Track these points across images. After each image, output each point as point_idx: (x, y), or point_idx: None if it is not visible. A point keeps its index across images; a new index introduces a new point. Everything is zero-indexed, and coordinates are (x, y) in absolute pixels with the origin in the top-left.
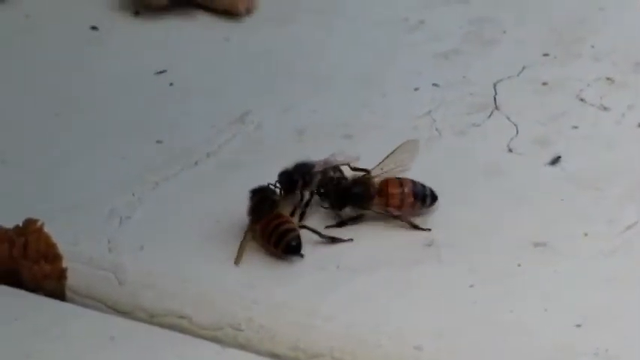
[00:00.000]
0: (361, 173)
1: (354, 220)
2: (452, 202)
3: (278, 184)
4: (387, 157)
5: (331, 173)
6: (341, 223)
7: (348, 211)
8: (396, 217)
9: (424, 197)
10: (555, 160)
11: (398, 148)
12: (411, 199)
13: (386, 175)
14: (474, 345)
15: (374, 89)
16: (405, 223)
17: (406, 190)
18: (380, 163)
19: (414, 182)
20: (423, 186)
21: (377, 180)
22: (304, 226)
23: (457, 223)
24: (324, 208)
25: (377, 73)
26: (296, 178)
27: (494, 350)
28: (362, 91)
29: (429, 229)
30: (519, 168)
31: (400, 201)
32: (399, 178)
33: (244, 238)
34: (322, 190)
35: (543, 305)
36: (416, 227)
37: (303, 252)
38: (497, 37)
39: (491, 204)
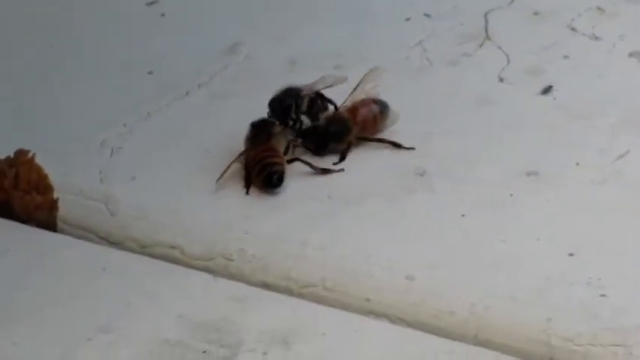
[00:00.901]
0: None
1: (347, 150)
2: (444, 131)
3: (271, 112)
4: (355, 89)
5: (318, 101)
6: (342, 157)
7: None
8: (378, 141)
9: (385, 103)
10: (547, 90)
11: (362, 78)
12: (378, 111)
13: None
14: (466, 275)
15: (366, 20)
16: (388, 145)
17: (371, 105)
18: (349, 96)
19: (368, 98)
20: (380, 101)
21: (346, 112)
22: (297, 159)
23: (449, 152)
24: (309, 150)
25: (368, 3)
26: (288, 102)
27: (486, 280)
28: (354, 21)
29: (414, 148)
30: (511, 98)
31: (373, 118)
32: (359, 101)
33: (234, 160)
34: (304, 138)
35: (535, 235)
36: (399, 146)
37: (290, 184)
38: None
39: (483, 134)
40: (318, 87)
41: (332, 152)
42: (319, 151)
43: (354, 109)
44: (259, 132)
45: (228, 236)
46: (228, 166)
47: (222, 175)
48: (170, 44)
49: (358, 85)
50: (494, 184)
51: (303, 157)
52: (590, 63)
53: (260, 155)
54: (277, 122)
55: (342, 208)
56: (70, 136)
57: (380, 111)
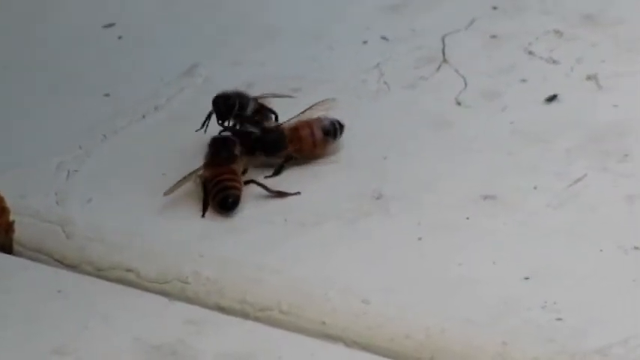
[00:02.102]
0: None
1: (281, 166)
2: (401, 155)
3: (214, 108)
4: (303, 112)
5: (266, 104)
6: (278, 170)
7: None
8: (312, 158)
9: (335, 131)
10: (552, 98)
11: (315, 104)
12: (321, 137)
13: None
14: (422, 298)
15: (322, 42)
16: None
17: (315, 130)
18: (295, 116)
19: (319, 120)
20: (331, 121)
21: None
22: (252, 181)
23: (406, 175)
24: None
25: (325, 26)
26: (232, 101)
27: (442, 303)
28: (310, 44)
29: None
30: (468, 120)
31: (312, 142)
32: (305, 121)
33: (187, 175)
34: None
35: (492, 258)
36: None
37: (246, 207)
38: None
39: (440, 157)
40: (266, 95)
41: (266, 165)
42: (249, 152)
43: (295, 128)
44: (220, 150)
45: (183, 259)
46: (183, 179)
47: (173, 187)
48: (127, 66)
49: (308, 108)
50: (451, 207)
51: (259, 180)
52: (548, 86)
53: (218, 177)
54: (237, 142)
55: (298, 231)
56: (26, 159)
57: (322, 137)
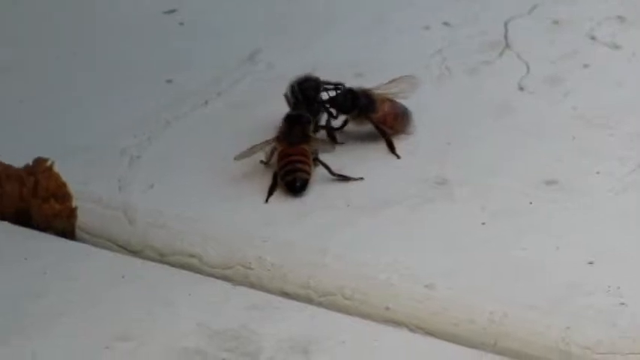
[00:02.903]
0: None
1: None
2: (464, 140)
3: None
4: (391, 82)
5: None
6: (343, 125)
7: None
8: (384, 135)
9: (407, 114)
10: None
11: (400, 77)
12: (401, 112)
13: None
14: (486, 283)
15: (385, 28)
16: (384, 141)
17: (396, 104)
18: (384, 85)
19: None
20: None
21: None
22: (316, 159)
23: (469, 161)
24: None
25: (388, 12)
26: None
27: (506, 288)
28: (373, 30)
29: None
30: (530, 106)
31: (394, 116)
32: (385, 96)
33: (261, 143)
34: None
35: (555, 243)
36: (392, 148)
37: (309, 192)
38: None
39: (502, 142)
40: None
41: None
42: (340, 111)
43: (381, 100)
44: (294, 127)
45: (246, 244)
46: (255, 146)
47: (245, 153)
48: (189, 53)
49: (394, 79)
50: (514, 192)
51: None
52: (610, 72)
53: (289, 157)
54: (311, 119)
55: (362, 216)
56: (88, 145)
57: (403, 112)
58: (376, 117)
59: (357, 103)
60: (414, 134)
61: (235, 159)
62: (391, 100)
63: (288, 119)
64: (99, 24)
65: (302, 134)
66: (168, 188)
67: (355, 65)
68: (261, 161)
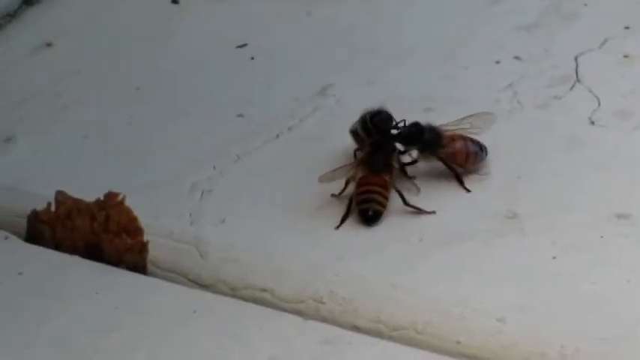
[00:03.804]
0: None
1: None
2: (534, 174)
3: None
4: (464, 118)
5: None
6: (413, 161)
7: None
8: (453, 171)
9: (483, 150)
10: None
11: (475, 113)
12: (473, 152)
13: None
14: (557, 317)
15: (455, 62)
16: (454, 178)
17: (469, 143)
18: (456, 120)
19: (472, 139)
20: (478, 142)
21: (448, 133)
22: (395, 187)
23: (540, 195)
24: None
25: (458, 46)
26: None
27: (576, 322)
28: (443, 64)
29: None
30: (601, 139)
31: (466, 154)
32: (460, 134)
33: (346, 166)
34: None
35: (626, 276)
36: (461, 183)
37: (381, 225)
38: (578, 10)
39: (573, 176)
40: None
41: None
42: (405, 145)
43: (451, 137)
44: (377, 154)
45: (318, 278)
46: (339, 168)
47: (329, 175)
48: (260, 87)
49: (469, 115)
50: (585, 226)
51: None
52: None
53: (369, 187)
54: (396, 149)
55: (433, 250)
56: (159, 179)
57: (476, 151)
58: (444, 153)
59: (422, 138)
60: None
61: (320, 180)
62: (464, 138)
63: (374, 145)
64: (168, 58)
65: (385, 163)
66: (239, 222)
67: (425, 100)
68: (333, 194)
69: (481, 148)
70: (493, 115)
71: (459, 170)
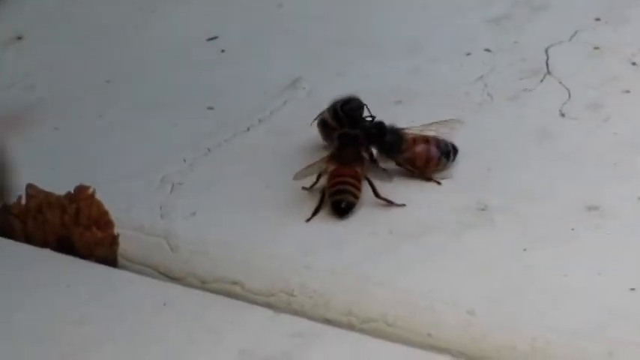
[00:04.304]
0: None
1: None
2: (505, 166)
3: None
4: (431, 124)
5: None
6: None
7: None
8: (420, 176)
9: (449, 154)
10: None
11: (443, 121)
12: (436, 157)
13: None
14: (528, 309)
15: (425, 55)
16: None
17: (432, 148)
18: (422, 125)
19: (437, 140)
20: (446, 143)
21: (411, 136)
22: (367, 178)
23: (510, 187)
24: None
25: (428, 38)
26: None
27: (548, 314)
28: (413, 56)
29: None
30: (572, 132)
31: (426, 159)
32: (423, 136)
33: (317, 162)
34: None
35: (597, 269)
36: (430, 180)
37: (351, 218)
38: (548, 2)
39: (544, 168)
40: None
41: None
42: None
43: (413, 140)
44: (348, 147)
45: (289, 271)
46: (311, 165)
47: (302, 172)
48: (230, 80)
49: (435, 122)
50: (556, 218)
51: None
52: None
53: (341, 179)
54: (365, 140)
55: (404, 242)
56: (130, 172)
57: (437, 157)
58: (402, 158)
59: (382, 139)
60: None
61: (294, 179)
62: (428, 141)
63: (341, 138)
64: (138, 50)
65: (355, 155)
66: (210, 215)
67: (395, 93)
68: (304, 187)
69: (447, 153)
70: (460, 122)
71: (416, 173)
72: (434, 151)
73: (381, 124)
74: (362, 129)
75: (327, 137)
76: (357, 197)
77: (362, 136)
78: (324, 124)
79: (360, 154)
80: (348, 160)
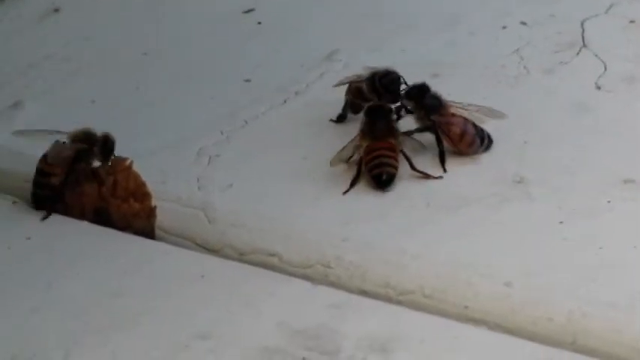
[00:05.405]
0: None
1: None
2: (541, 139)
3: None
4: (471, 104)
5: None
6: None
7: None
8: (439, 144)
9: (482, 138)
10: None
11: (487, 107)
12: (471, 134)
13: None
14: (564, 282)
15: (462, 28)
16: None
17: (469, 125)
18: (466, 103)
19: (474, 124)
20: (483, 129)
21: (452, 110)
22: (403, 152)
23: (546, 160)
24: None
25: (465, 12)
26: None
27: (584, 287)
28: (450, 30)
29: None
30: (608, 105)
31: (461, 131)
32: (462, 117)
33: (348, 144)
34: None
35: (633, 242)
36: (442, 162)
37: (388, 191)
38: None
39: (580, 141)
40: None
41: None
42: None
43: (452, 115)
44: (377, 121)
45: (326, 243)
46: (343, 149)
47: (337, 157)
48: (267, 52)
49: (471, 105)
50: (592, 191)
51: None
52: None
53: (378, 152)
54: (392, 109)
55: (441, 215)
56: (167, 144)
57: (472, 137)
58: (440, 121)
59: (424, 96)
60: (490, 133)
61: (331, 165)
62: (467, 119)
63: (370, 112)
64: (175, 23)
65: (387, 127)
66: (247, 187)
67: (432, 65)
68: (340, 160)
69: (482, 137)
70: (502, 114)
71: (448, 143)
72: (471, 128)
73: (423, 84)
74: (409, 89)
75: (354, 106)
76: (396, 168)
77: (390, 109)
78: (358, 92)
79: (392, 126)
80: (381, 133)
